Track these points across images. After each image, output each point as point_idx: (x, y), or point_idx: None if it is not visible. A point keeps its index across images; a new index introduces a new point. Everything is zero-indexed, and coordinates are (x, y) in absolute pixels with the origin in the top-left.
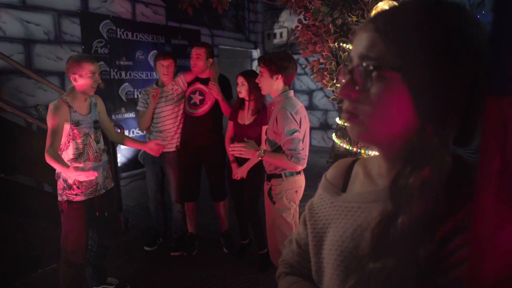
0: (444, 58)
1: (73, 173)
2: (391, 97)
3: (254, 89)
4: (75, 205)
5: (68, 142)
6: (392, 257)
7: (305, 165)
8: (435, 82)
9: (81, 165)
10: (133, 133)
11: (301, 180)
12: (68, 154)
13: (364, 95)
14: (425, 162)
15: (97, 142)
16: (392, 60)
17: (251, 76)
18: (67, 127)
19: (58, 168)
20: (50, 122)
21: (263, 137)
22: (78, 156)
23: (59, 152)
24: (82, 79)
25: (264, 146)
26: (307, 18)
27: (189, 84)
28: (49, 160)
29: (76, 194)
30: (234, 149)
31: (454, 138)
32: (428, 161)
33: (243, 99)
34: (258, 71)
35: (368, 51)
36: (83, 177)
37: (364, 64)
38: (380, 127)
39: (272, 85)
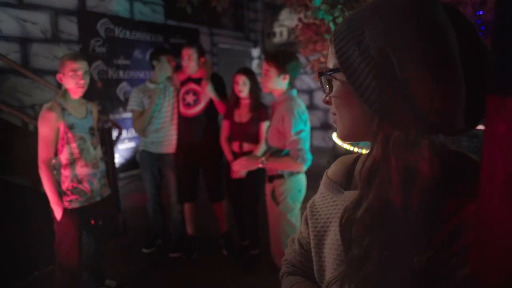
0: (370, 53)
1: (54, 204)
2: (343, 98)
3: (255, 86)
4: (69, 212)
5: (62, 146)
6: (360, 245)
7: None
8: (375, 79)
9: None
10: (131, 133)
11: (303, 178)
12: (61, 159)
13: (331, 99)
14: (379, 153)
15: (94, 148)
16: (334, 63)
17: (251, 74)
18: (60, 130)
19: (46, 188)
20: (40, 129)
21: (262, 134)
22: (72, 162)
23: (54, 158)
24: (65, 79)
25: (263, 144)
26: (307, 17)
27: (182, 84)
28: (43, 177)
29: (70, 201)
30: (235, 165)
31: (436, 129)
32: (382, 152)
33: (237, 97)
34: (257, 69)
35: (328, 63)
36: (58, 212)
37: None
38: (346, 125)
39: (277, 84)
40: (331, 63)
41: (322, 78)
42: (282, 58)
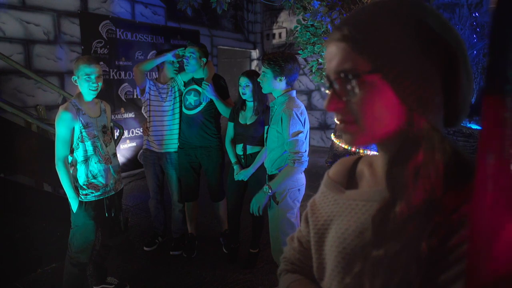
0: (414, 48)
1: (71, 198)
2: (376, 98)
3: (259, 89)
4: (84, 205)
5: (78, 144)
6: (394, 244)
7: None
8: (412, 72)
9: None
10: (132, 133)
11: (302, 178)
12: (78, 156)
13: (351, 103)
14: (417, 150)
15: (106, 145)
16: (368, 64)
17: (254, 76)
18: (76, 129)
19: (64, 183)
20: (57, 129)
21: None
22: (87, 159)
23: (70, 155)
24: (79, 81)
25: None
26: (306, 19)
27: (185, 84)
28: (60, 173)
29: (86, 195)
30: (254, 211)
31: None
32: (420, 147)
33: (244, 100)
34: (258, 70)
35: (343, 62)
36: (74, 204)
37: (342, 75)
38: (373, 128)
39: (274, 86)
40: (348, 64)
41: (349, 81)
42: (278, 60)
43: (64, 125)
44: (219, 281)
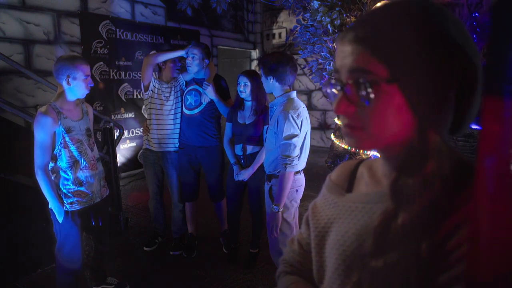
0: (434, 59)
1: (56, 208)
2: (389, 106)
3: (257, 89)
4: (71, 214)
5: (60, 150)
6: (393, 255)
7: (304, 166)
8: (428, 83)
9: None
10: (132, 133)
11: (301, 179)
12: (62, 162)
13: (362, 109)
14: (425, 161)
15: (91, 150)
16: (385, 72)
17: (254, 75)
18: (58, 134)
19: (46, 193)
20: (36, 134)
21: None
22: (72, 165)
23: (52, 162)
24: (76, 82)
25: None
26: (306, 19)
27: (186, 84)
28: (41, 182)
29: (72, 203)
30: (273, 233)
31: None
32: (428, 160)
33: (242, 99)
34: (258, 70)
35: (357, 66)
36: (60, 214)
37: (357, 81)
38: (380, 135)
39: (268, 85)
40: (363, 66)
41: (365, 88)
42: (265, 59)
43: (44, 131)
44: (219, 281)
